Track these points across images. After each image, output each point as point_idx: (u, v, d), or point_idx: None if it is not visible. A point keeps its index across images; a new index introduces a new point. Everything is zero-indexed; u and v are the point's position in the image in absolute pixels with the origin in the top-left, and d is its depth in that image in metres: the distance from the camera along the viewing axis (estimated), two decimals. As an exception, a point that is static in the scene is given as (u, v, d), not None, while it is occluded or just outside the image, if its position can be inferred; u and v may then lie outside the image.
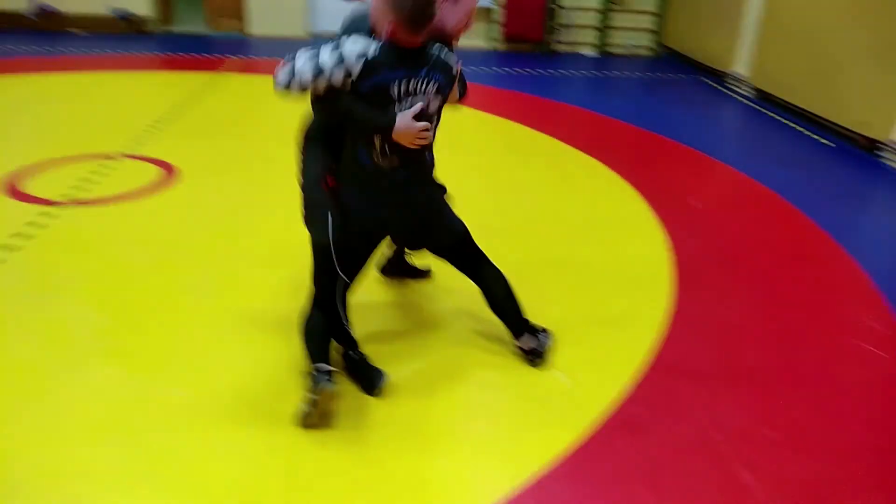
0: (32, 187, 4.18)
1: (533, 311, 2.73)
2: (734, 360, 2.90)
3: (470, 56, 9.80)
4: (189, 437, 2.26)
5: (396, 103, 2.21)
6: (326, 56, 2.11)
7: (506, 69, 8.94)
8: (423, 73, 2.22)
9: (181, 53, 8.66)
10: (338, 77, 2.13)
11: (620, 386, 2.64)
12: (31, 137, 5.18)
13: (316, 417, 2.27)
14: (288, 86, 2.11)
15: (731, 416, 2.52)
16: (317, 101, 2.30)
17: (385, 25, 2.16)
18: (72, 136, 5.23)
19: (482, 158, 5.37)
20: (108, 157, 4.79)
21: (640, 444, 2.37)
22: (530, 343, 2.70)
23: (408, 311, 3.13)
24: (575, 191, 4.78)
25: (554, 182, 4.92)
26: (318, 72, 2.10)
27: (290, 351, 2.61)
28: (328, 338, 2.43)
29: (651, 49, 10.56)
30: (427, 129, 2.25)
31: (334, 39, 2.19)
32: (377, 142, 2.26)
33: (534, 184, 4.87)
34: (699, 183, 5.19)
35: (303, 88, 2.12)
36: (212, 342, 2.79)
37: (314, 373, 2.27)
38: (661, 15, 10.31)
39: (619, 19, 10.36)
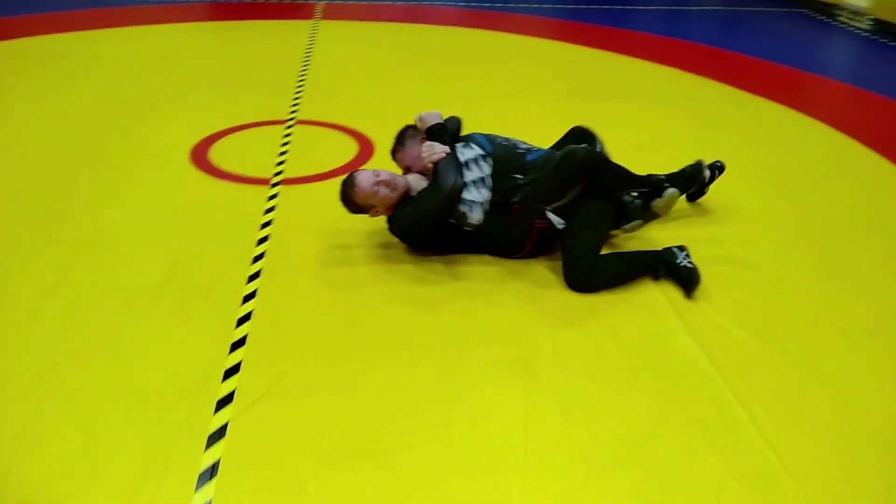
0: (235, 164, 3.68)
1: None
2: None
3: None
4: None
5: None
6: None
7: (570, 5, 8.40)
8: None
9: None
10: None
11: None
12: (174, 104, 4.62)
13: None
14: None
15: None
16: None
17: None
18: (225, 102, 4.67)
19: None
20: (282, 123, 4.29)
21: None
22: None
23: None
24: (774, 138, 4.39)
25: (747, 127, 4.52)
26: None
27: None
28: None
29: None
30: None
31: None
32: None
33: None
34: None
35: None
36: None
37: (671, 253, 2.72)
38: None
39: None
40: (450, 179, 2.64)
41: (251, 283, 2.67)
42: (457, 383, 2.20)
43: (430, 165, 2.72)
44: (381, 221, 2.97)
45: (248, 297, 2.58)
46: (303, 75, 5.25)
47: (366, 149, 3.94)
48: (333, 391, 2.15)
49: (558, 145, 3.03)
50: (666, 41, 6.88)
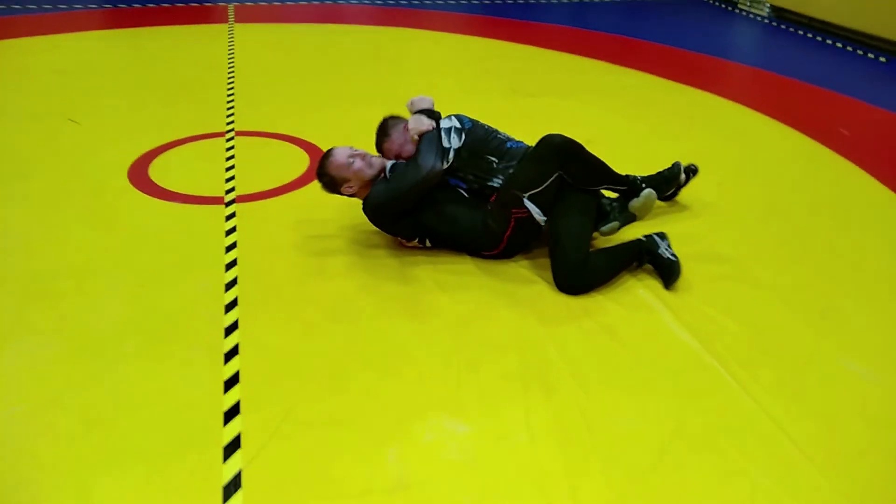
0: (180, 183, 3.45)
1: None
2: None
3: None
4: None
5: None
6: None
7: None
8: None
9: (156, 4, 7.52)
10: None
11: None
12: (98, 120, 4.29)
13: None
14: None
15: None
16: None
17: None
18: (154, 115, 4.38)
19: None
20: (221, 135, 4.06)
21: None
22: None
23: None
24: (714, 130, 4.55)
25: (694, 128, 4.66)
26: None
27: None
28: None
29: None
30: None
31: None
32: None
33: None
34: (807, 106, 5.09)
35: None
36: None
37: (653, 242, 2.76)
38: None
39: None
40: (429, 161, 2.68)
41: (230, 313, 2.50)
42: (476, 402, 2.12)
43: (416, 138, 2.77)
44: (354, 227, 2.86)
45: (231, 329, 2.41)
46: (231, 82, 5.00)
47: (317, 159, 3.78)
48: (346, 422, 2.03)
49: None
50: (582, 33, 7.02)
